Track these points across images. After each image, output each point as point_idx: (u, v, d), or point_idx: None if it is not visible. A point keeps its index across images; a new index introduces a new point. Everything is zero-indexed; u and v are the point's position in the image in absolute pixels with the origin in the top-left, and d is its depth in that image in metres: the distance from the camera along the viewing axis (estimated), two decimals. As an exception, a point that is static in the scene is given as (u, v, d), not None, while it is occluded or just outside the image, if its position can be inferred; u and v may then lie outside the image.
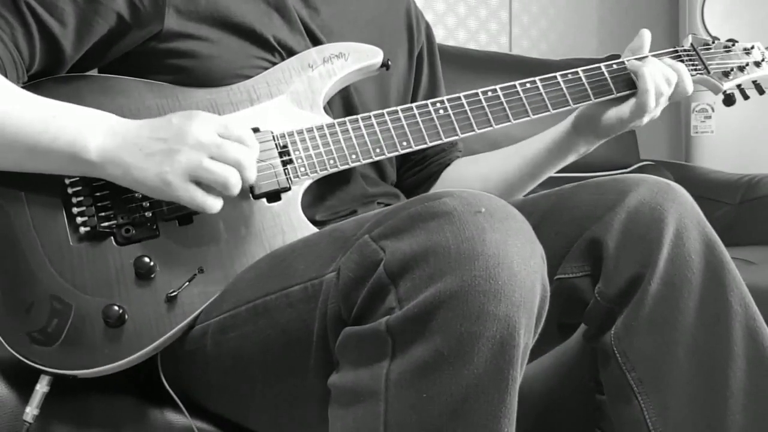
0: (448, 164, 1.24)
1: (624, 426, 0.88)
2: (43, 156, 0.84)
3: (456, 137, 1.01)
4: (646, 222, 0.86)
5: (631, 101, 1.08)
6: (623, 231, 0.87)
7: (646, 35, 1.12)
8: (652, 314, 0.85)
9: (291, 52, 1.01)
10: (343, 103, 1.06)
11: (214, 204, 0.85)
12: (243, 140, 0.86)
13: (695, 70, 1.16)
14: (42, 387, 0.83)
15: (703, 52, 1.18)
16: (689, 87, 1.10)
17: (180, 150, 0.82)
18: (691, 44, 1.18)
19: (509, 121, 1.03)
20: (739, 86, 1.22)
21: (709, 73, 1.17)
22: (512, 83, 1.05)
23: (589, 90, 1.08)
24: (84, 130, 0.84)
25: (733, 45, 1.22)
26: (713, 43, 1.20)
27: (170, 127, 0.84)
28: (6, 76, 0.87)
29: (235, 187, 0.84)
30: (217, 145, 0.84)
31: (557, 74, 1.07)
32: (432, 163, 1.23)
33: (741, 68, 1.20)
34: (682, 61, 1.15)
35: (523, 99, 1.04)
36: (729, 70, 1.19)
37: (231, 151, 0.84)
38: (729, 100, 1.21)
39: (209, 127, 0.84)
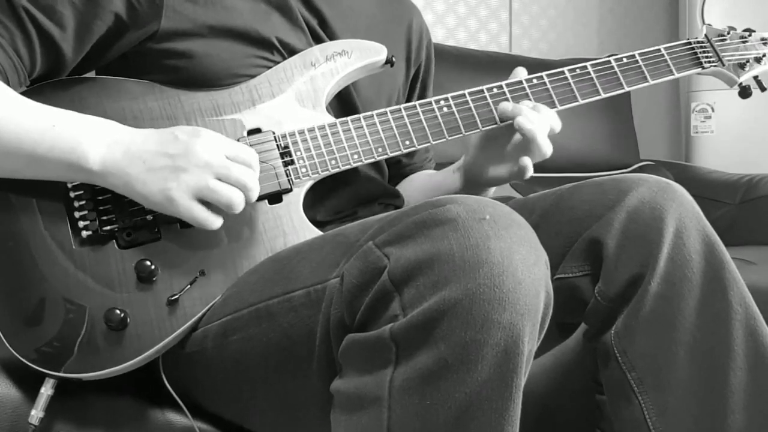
0: (417, 170, 1.23)
1: (624, 426, 0.87)
2: (41, 164, 0.84)
3: (460, 135, 1.00)
4: (646, 221, 0.86)
5: (517, 162, 1.02)
6: (623, 230, 0.87)
7: (521, 72, 1.05)
8: (652, 314, 0.85)
9: (292, 51, 1.00)
10: (342, 101, 1.05)
11: (215, 221, 0.86)
12: (250, 164, 0.87)
13: (709, 62, 1.13)
14: (47, 390, 0.83)
15: (717, 43, 1.14)
16: (556, 125, 1.02)
17: (187, 169, 0.83)
18: (705, 35, 1.15)
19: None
20: (756, 78, 1.18)
21: (723, 65, 1.14)
22: (518, 80, 1.03)
23: (598, 86, 1.05)
24: (84, 140, 0.83)
25: (750, 35, 1.18)
26: (728, 33, 1.16)
27: (177, 143, 0.84)
28: (8, 81, 0.87)
29: (239, 207, 0.85)
30: (225, 166, 0.84)
31: (565, 69, 1.05)
32: (406, 167, 1.22)
33: (758, 59, 1.16)
34: (695, 53, 1.12)
35: (530, 96, 1.02)
36: (745, 61, 1.15)
37: (238, 174, 0.85)
38: (745, 92, 1.17)
39: (217, 148, 0.85)
